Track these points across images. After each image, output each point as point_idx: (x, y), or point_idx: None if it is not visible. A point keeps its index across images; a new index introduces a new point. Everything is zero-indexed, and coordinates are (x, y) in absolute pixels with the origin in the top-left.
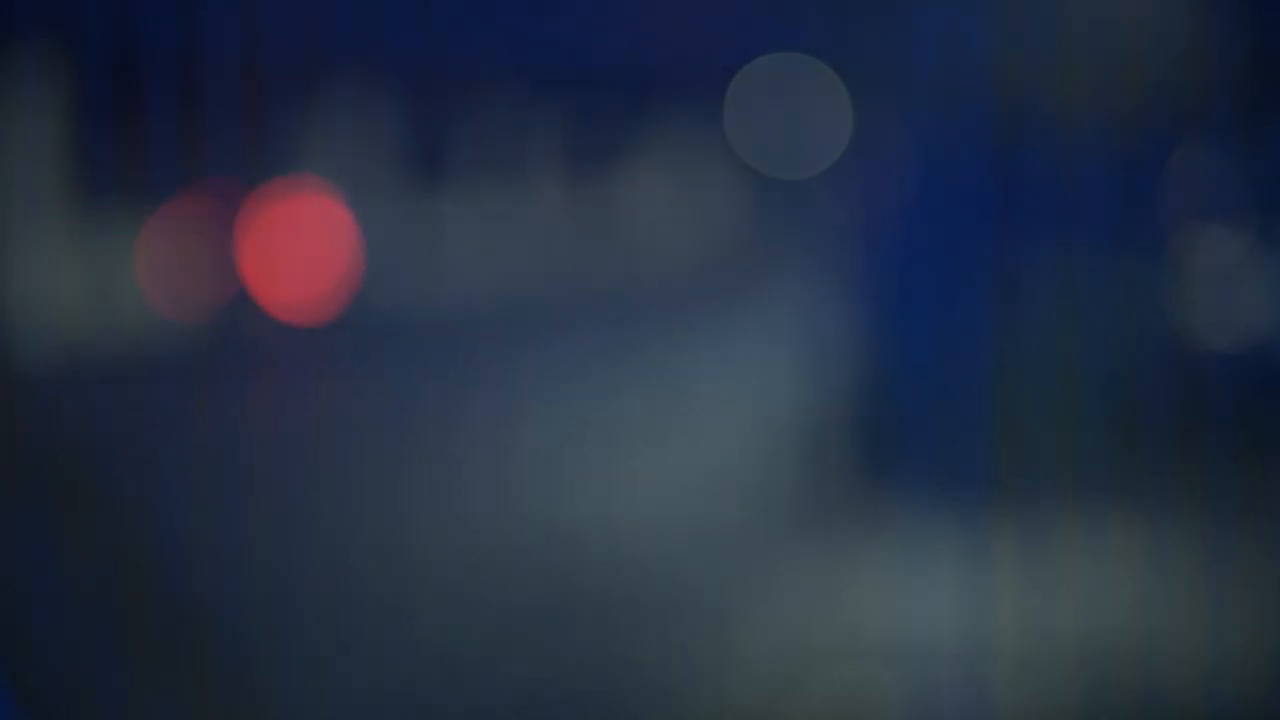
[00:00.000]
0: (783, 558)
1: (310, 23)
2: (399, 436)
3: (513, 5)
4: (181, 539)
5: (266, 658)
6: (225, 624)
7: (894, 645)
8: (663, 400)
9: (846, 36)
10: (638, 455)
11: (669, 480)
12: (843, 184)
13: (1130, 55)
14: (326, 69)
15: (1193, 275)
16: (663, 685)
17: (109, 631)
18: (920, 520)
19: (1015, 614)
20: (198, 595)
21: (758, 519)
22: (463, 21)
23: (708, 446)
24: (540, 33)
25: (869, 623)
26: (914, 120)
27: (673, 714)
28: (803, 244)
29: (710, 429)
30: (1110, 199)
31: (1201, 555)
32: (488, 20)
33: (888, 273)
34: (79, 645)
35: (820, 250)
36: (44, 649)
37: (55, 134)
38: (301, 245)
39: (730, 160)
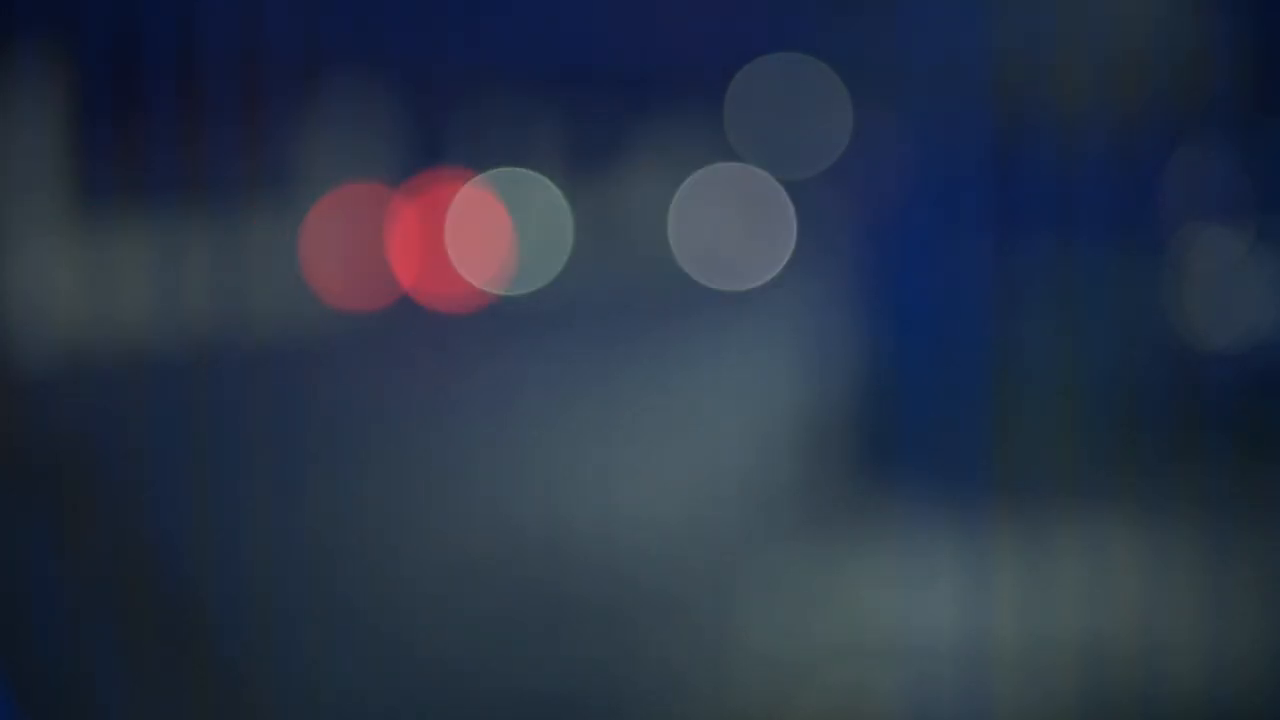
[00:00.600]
0: (783, 557)
1: (310, 22)
2: (390, 436)
3: (513, 5)
4: (184, 536)
5: (267, 658)
6: (226, 624)
7: (894, 645)
8: (662, 400)
9: (846, 36)
10: (637, 455)
11: (669, 480)
12: (843, 184)
13: (1130, 55)
14: (325, 68)
15: (1193, 275)
16: (662, 685)
17: (109, 631)
18: (920, 520)
19: (1015, 614)
20: (199, 594)
21: (758, 519)
22: (463, 21)
23: (708, 446)
24: (540, 33)
25: (869, 623)
26: (914, 120)
27: (672, 714)
28: (803, 244)
29: (710, 429)
30: (1110, 198)
31: (1202, 555)
32: (488, 20)
33: (888, 272)
34: (79, 645)
35: (820, 250)
36: (44, 649)
37: (55, 134)
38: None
39: (730, 160)
